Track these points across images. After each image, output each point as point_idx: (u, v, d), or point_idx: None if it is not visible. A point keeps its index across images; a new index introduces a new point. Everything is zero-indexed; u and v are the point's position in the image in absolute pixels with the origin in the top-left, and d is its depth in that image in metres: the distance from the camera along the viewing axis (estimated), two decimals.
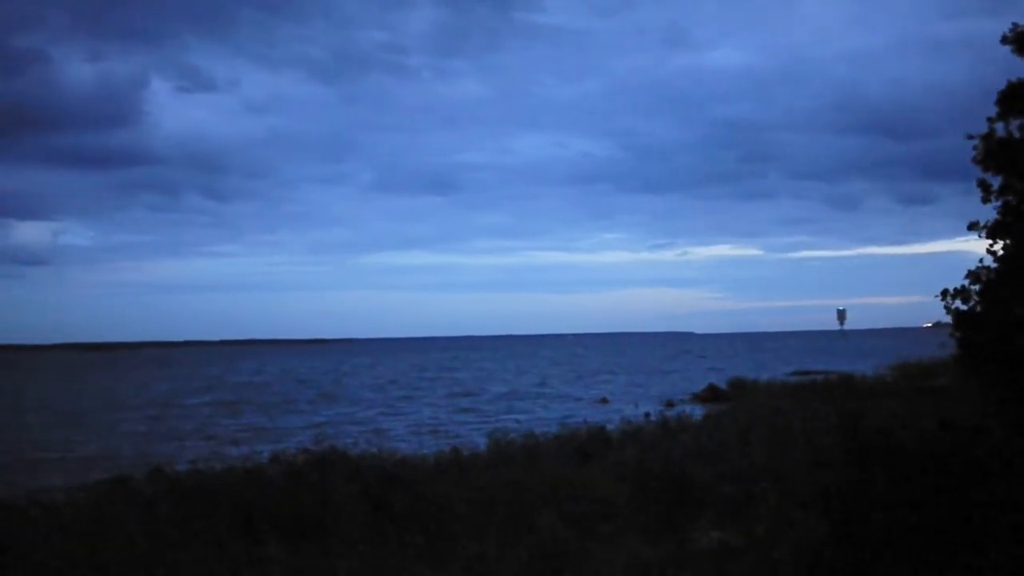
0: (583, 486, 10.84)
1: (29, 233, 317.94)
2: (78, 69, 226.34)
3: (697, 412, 23.54)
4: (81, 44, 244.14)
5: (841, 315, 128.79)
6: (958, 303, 8.70)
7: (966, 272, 8.68)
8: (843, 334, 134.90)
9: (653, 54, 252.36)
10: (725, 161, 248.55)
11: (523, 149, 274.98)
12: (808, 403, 20.59)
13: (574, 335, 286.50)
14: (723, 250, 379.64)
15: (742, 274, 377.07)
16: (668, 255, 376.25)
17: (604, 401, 38.88)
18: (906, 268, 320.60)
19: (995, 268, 8.59)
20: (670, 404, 32.61)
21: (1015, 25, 8.98)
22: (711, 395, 36.25)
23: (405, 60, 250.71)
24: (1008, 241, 8.54)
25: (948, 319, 8.80)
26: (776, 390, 30.52)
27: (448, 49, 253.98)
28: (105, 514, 9.68)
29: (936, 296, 8.81)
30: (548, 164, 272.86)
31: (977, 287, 8.65)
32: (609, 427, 17.11)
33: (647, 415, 21.81)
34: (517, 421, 13.45)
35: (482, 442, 13.81)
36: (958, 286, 8.70)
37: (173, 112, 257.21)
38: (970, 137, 8.93)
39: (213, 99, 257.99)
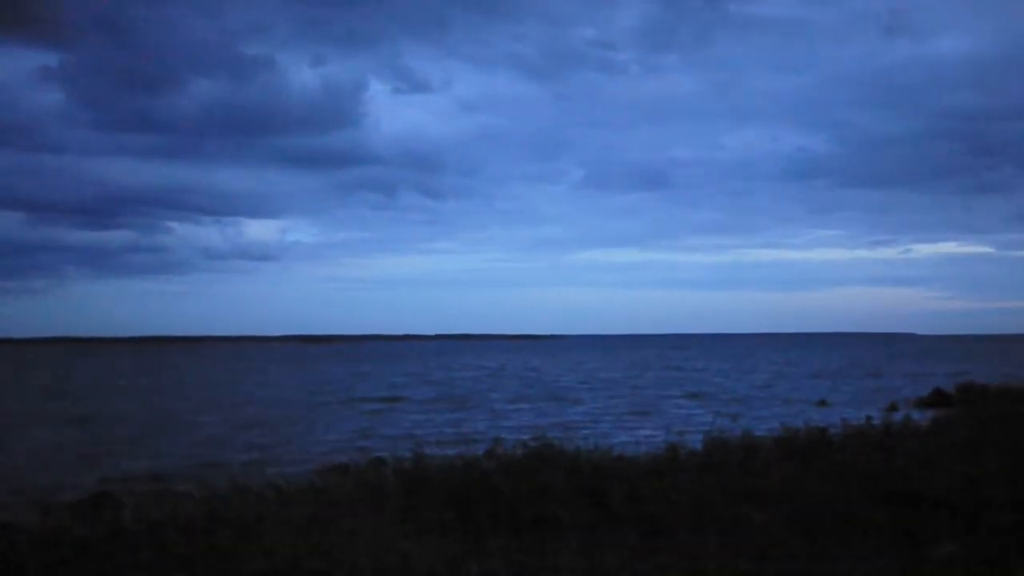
0: (800, 488, 10.50)
1: (259, 231, 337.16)
2: (302, 74, 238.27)
3: (922, 417, 22.41)
4: (305, 50, 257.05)
5: None
6: None
7: None
8: None
9: (872, 43, 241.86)
10: (950, 153, 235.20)
11: (736, 144, 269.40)
12: None
13: (788, 335, 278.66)
14: (949, 247, 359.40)
15: (970, 273, 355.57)
16: (888, 253, 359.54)
17: (823, 403, 37.71)
18: None
19: None
20: (893, 408, 31.21)
21: None
22: (937, 399, 34.42)
23: (614, 56, 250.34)
24: None
25: None
26: (1013, 395, 28.62)
27: (658, 43, 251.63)
28: (331, 499, 10.08)
29: None
30: (762, 159, 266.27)
31: None
32: (830, 430, 16.54)
33: (869, 418, 20.96)
34: (734, 420, 13.23)
35: (698, 441, 13.62)
36: None
37: (390, 113, 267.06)
38: None
39: (428, 99, 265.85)
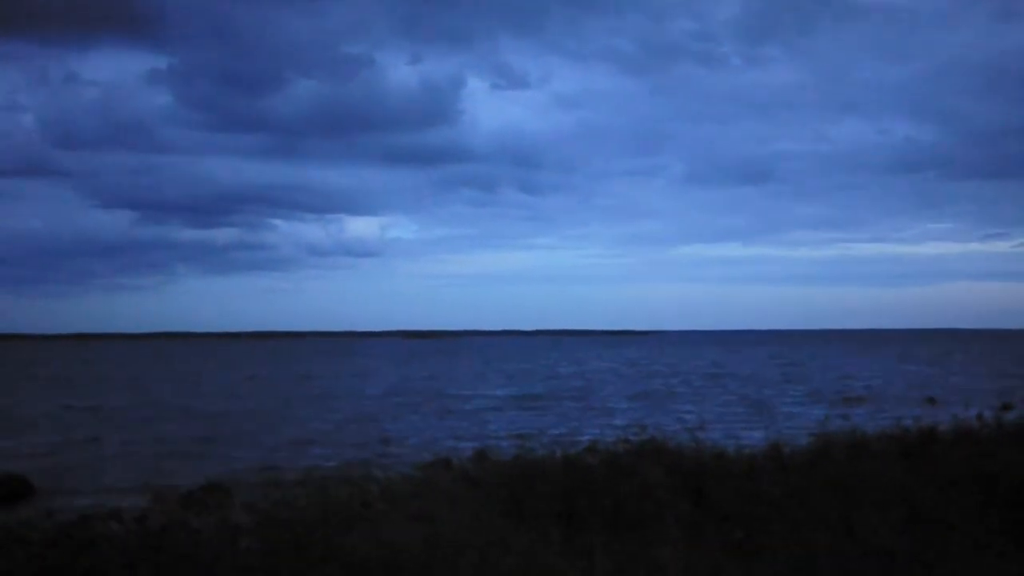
0: (911, 489, 10.24)
1: (361, 227, 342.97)
2: (401, 72, 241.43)
3: None
4: (403, 48, 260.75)
5: None
6: None
7: None
8: None
9: (983, 29, 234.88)
10: None
11: (842, 136, 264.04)
12: None
13: (896, 331, 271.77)
14: None
15: None
16: (1001, 246, 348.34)
17: (932, 401, 36.77)
18: None
19: None
20: (1007, 407, 30.20)
21: None
22: None
23: (714, 48, 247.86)
24: None
25: None
26: None
27: (759, 34, 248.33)
28: (434, 493, 10.19)
29: None
30: (869, 151, 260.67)
31: None
32: (939, 428, 16.07)
33: (979, 416, 20.29)
34: (844, 418, 12.99)
35: (805, 439, 13.36)
36: None
37: (489, 109, 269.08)
38: None
39: (526, 95, 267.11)
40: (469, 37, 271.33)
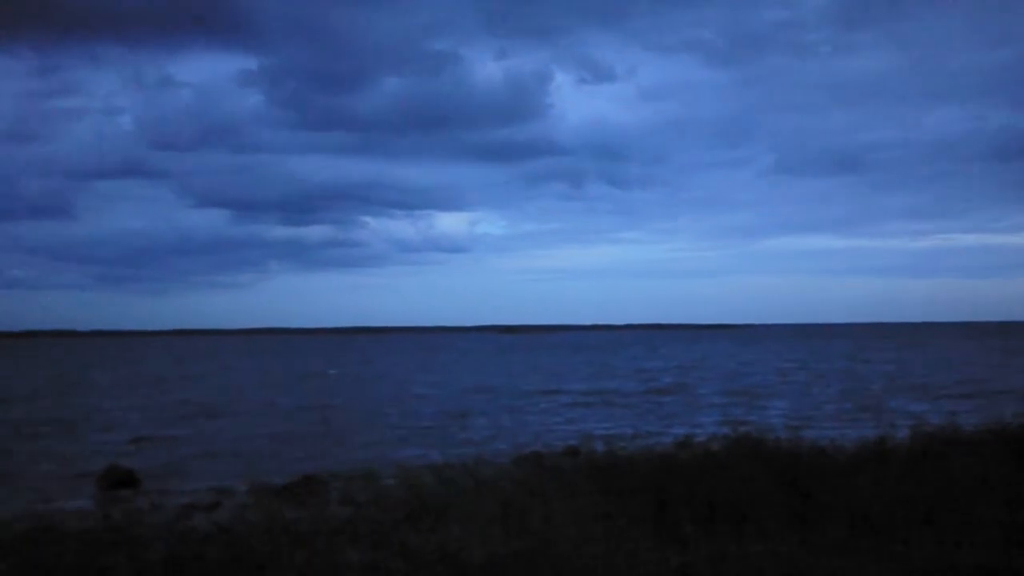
0: (1018, 485, 9.93)
1: (449, 223, 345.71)
2: (487, 68, 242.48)
3: None
4: (489, 44, 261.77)
5: None
6: None
7: None
8: None
9: None
10: None
11: (936, 124, 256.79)
12: None
13: (994, 323, 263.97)
14: None
15: None
16: None
17: None
18: None
19: None
20: None
21: None
22: None
23: (804, 36, 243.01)
24: None
25: None
26: None
27: (849, 21, 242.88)
28: (527, 487, 10.21)
29: None
30: (965, 139, 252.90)
31: None
32: None
33: None
34: (950, 414, 12.63)
35: (906, 434, 13.07)
36: None
37: (575, 104, 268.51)
38: None
39: (612, 89, 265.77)
40: (554, 31, 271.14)
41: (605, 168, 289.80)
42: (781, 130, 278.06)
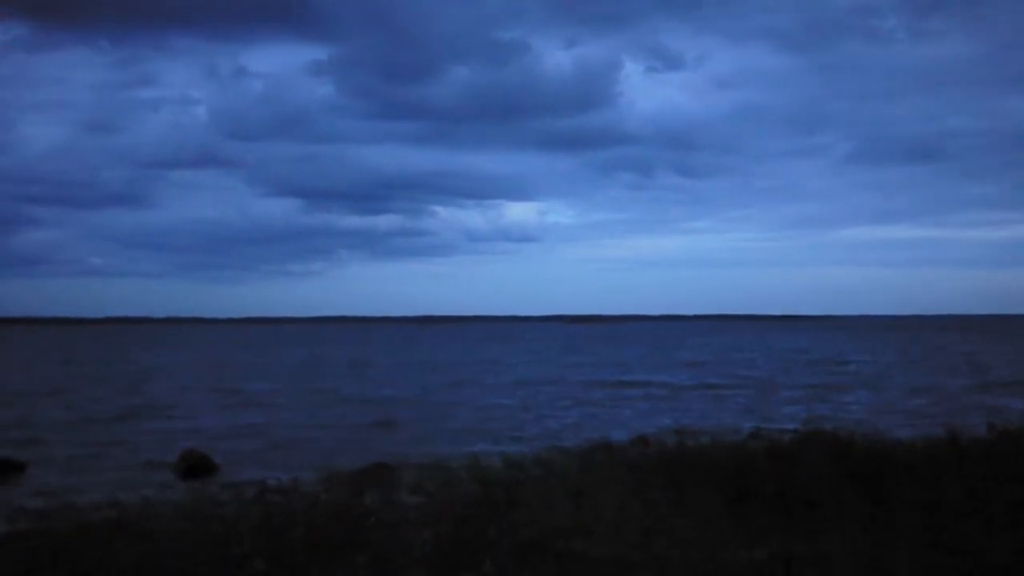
0: None
1: (519, 213, 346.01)
2: (556, 56, 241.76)
3: None
4: (558, 33, 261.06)
5: None
6: None
7: None
8: None
9: None
10: None
11: (1016, 112, 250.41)
12: None
13: None
14: None
15: None
16: None
17: None
18: None
19: None
20: None
21: None
22: None
23: (879, 22, 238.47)
24: None
25: None
26: None
27: (927, 7, 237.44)
28: (596, 476, 10.21)
29: None
30: None
31: None
32: None
33: None
34: None
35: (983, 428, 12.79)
36: None
37: (645, 92, 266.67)
38: None
39: (682, 77, 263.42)
40: (624, 19, 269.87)
41: (675, 157, 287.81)
42: (856, 118, 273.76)
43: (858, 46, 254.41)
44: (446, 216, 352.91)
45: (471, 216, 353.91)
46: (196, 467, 20.90)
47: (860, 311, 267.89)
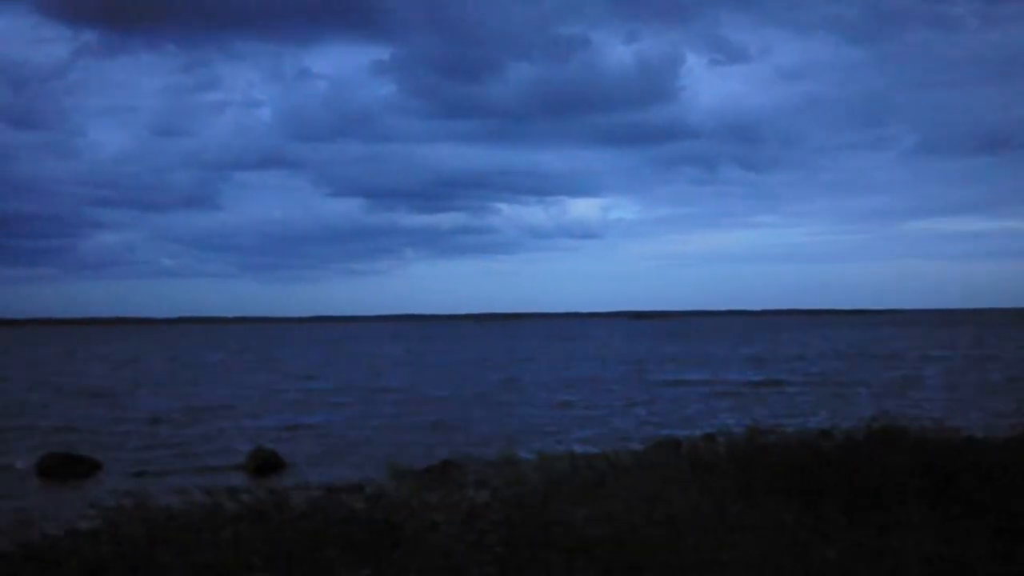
0: None
1: (581, 209, 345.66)
2: (617, 51, 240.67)
3: None
4: (619, 28, 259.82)
5: None
6: None
7: None
8: None
9: None
10: None
11: None
12: None
13: None
14: None
15: None
16: None
17: None
18: None
19: None
20: None
21: None
22: None
23: (947, 9, 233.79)
24: None
25: None
26: None
27: None
28: (664, 474, 10.14)
29: None
30: None
31: None
32: None
33: None
34: None
35: None
36: None
37: (708, 86, 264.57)
38: None
39: (746, 70, 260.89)
40: (685, 12, 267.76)
41: (739, 151, 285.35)
42: (925, 108, 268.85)
43: (925, 34, 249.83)
44: (509, 213, 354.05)
45: (534, 213, 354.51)
46: (266, 465, 21.19)
47: (930, 305, 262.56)
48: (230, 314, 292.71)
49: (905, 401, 30.62)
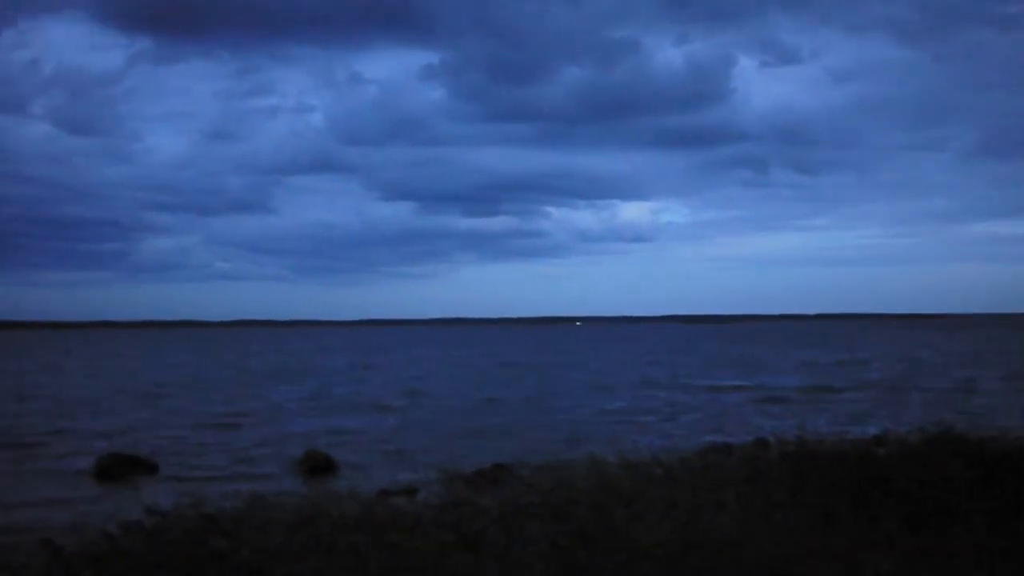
0: None
1: (632, 212, 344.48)
2: (667, 54, 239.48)
3: None
4: (669, 30, 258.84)
5: None
6: None
7: None
8: None
9: None
10: None
11: None
12: None
13: None
14: None
15: None
16: None
17: None
18: None
19: None
20: None
21: None
22: None
23: (1004, 8, 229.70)
24: None
25: None
26: None
27: None
28: (715, 479, 10.06)
29: None
30: None
31: None
32: None
33: None
34: None
35: None
36: None
37: (759, 88, 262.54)
38: None
39: (798, 71, 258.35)
40: (736, 14, 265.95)
41: (791, 153, 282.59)
42: (982, 109, 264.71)
43: (981, 34, 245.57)
44: (559, 217, 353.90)
45: (584, 217, 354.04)
46: (318, 467, 21.38)
47: (987, 309, 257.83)
48: (283, 317, 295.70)
49: (963, 407, 30.10)
